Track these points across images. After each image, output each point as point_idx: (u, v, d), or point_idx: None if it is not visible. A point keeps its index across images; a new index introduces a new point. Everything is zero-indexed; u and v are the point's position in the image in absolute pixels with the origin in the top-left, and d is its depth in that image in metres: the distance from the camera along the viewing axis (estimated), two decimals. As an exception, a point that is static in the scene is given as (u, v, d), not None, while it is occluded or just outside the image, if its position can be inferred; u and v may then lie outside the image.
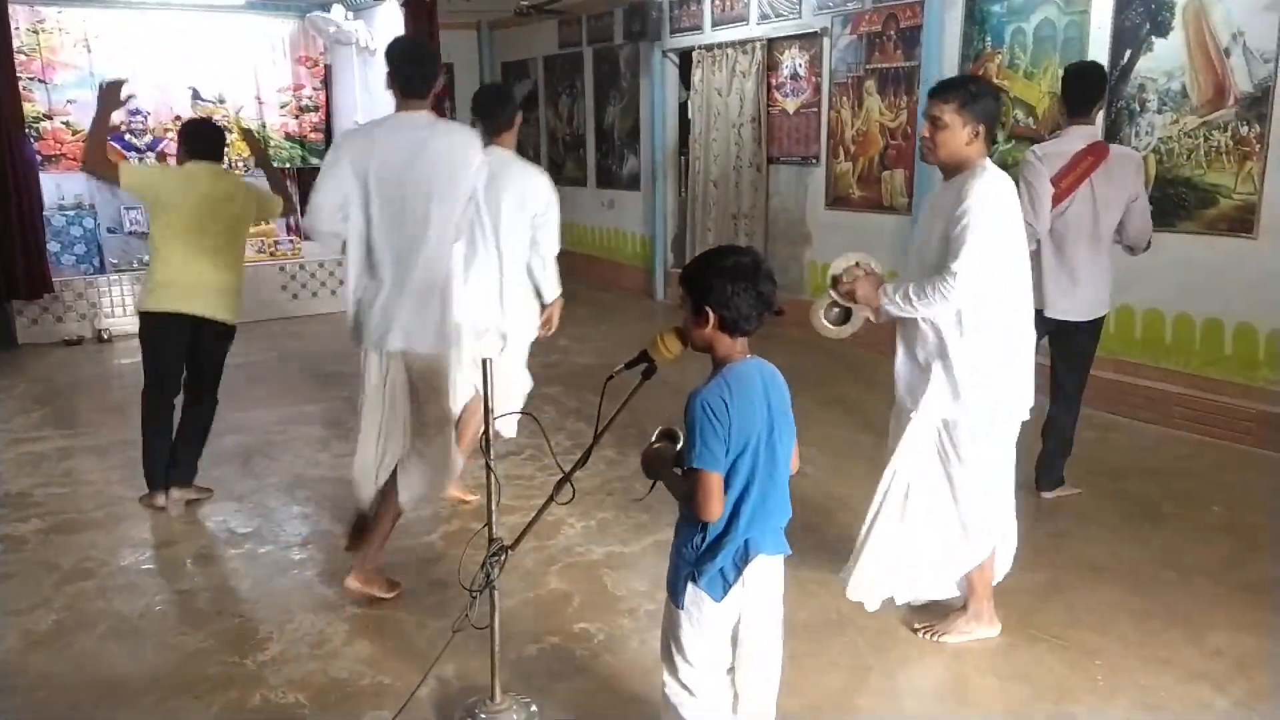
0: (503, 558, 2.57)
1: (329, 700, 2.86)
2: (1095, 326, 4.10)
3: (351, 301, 3.30)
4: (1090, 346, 4.16)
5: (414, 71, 3.21)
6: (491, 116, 4.04)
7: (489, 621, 2.64)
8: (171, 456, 4.22)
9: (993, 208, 2.79)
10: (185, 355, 4.20)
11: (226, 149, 5.08)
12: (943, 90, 2.87)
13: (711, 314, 2.07)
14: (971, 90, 2.84)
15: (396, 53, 3.25)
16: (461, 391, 3.90)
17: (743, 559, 2.12)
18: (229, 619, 3.34)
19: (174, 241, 4.07)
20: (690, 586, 2.16)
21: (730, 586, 2.13)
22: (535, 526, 2.57)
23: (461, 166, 3.22)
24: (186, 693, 2.90)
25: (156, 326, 4.11)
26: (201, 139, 4.29)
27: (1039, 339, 3.88)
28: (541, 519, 2.54)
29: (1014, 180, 3.00)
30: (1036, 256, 3.84)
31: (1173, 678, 2.95)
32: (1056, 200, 3.86)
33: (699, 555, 2.14)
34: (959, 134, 2.84)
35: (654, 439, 2.27)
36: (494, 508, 2.64)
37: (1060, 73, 5.47)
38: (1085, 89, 3.96)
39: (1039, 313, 3.83)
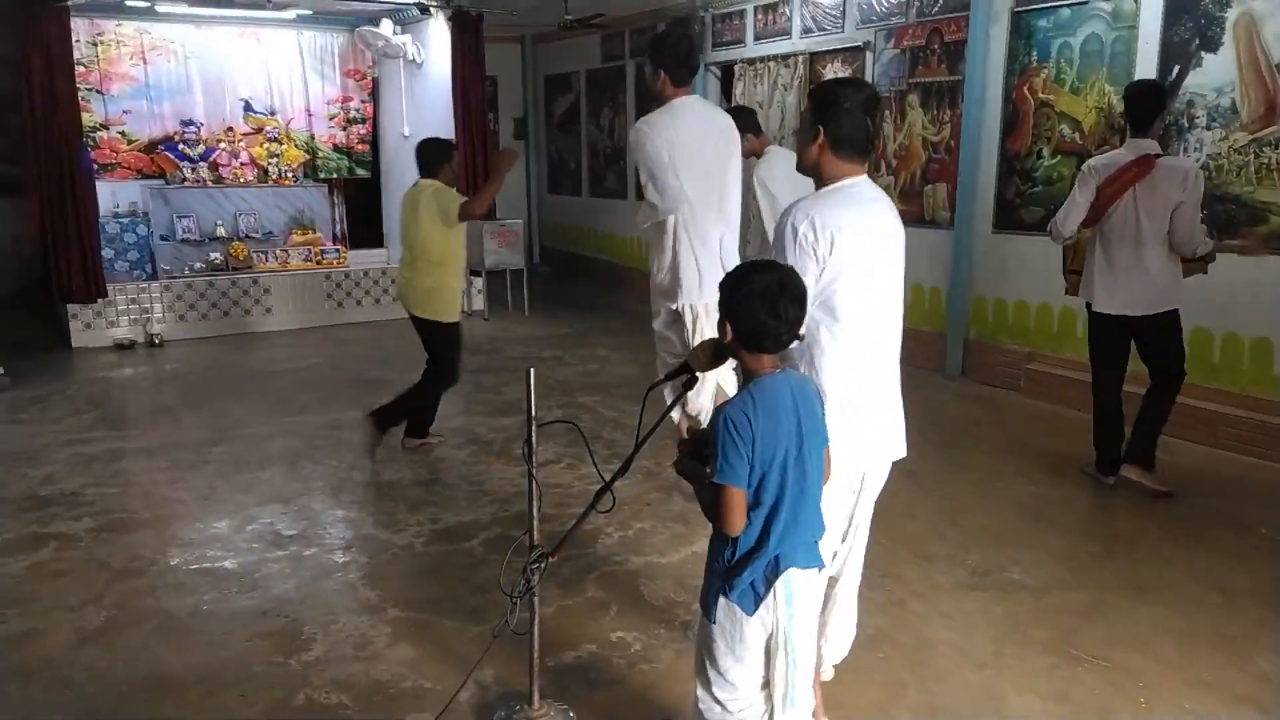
0: (543, 565, 2.59)
1: (371, 701, 2.90)
2: (1163, 320, 4.31)
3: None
4: (1165, 338, 4.37)
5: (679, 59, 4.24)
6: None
7: (528, 628, 2.67)
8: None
9: None
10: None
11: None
12: None
13: (729, 328, 2.09)
14: None
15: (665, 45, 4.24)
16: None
17: (773, 572, 2.12)
18: (274, 619, 3.39)
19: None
20: (722, 600, 2.16)
21: (761, 599, 2.12)
22: (573, 534, 2.59)
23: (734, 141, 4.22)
24: (232, 690, 2.96)
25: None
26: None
27: (1123, 342, 4.38)
28: (580, 527, 2.56)
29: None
30: (1092, 258, 4.35)
31: (1217, 701, 2.90)
32: (1100, 208, 4.24)
33: (729, 568, 2.14)
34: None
35: (692, 443, 2.26)
36: (535, 515, 2.67)
37: (1107, 88, 5.47)
38: (1143, 106, 4.24)
39: (1099, 312, 4.33)
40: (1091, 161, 4.32)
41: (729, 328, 2.09)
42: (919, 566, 3.79)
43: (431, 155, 4.96)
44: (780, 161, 5.12)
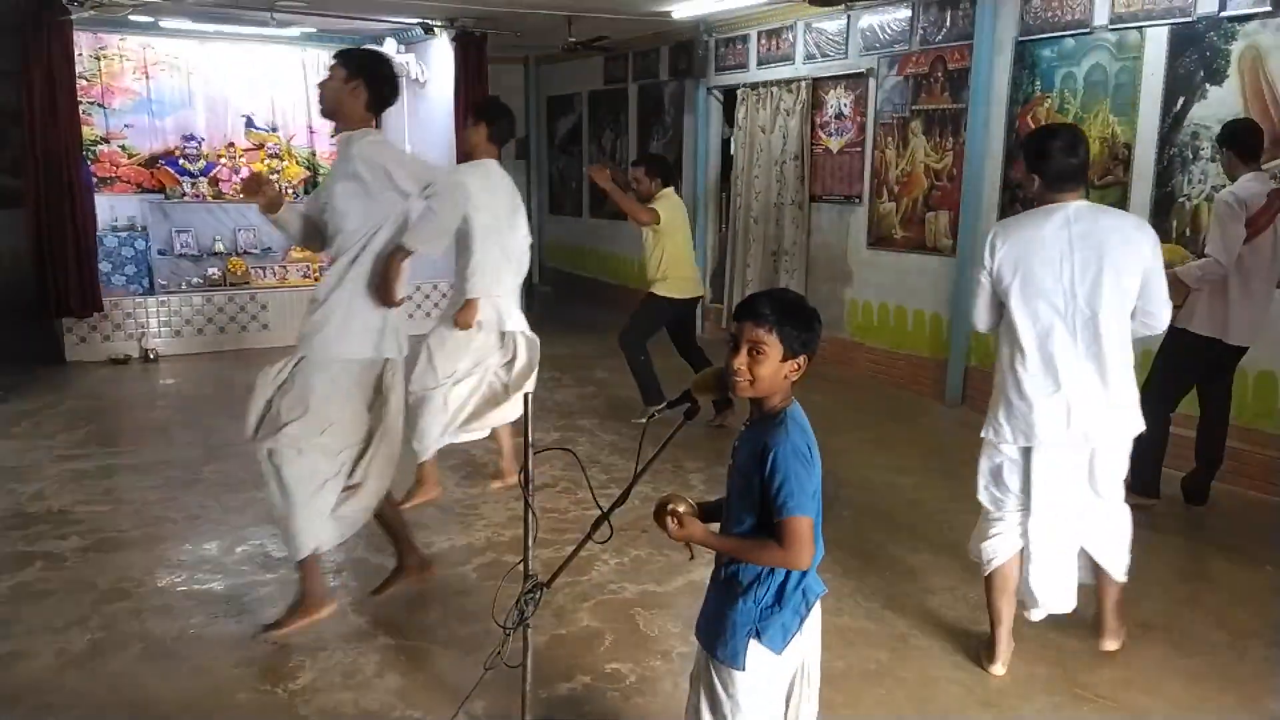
0: (538, 595, 2.54)
1: (359, 733, 2.84)
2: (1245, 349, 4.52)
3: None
4: (1235, 365, 4.62)
5: None
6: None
7: (522, 659, 2.60)
8: None
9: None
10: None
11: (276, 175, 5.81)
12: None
13: (805, 360, 2.03)
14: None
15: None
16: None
17: (805, 607, 2.07)
18: (262, 645, 3.33)
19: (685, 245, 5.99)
20: (753, 644, 2.05)
21: (792, 636, 2.06)
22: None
23: None
24: (218, 718, 2.90)
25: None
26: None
27: (1216, 369, 4.51)
28: (575, 557, 2.51)
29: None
30: (1221, 288, 4.33)
31: (1224, 743, 2.84)
32: (1250, 237, 4.30)
33: (765, 610, 2.05)
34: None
35: (675, 513, 2.13)
36: (530, 544, 2.61)
37: (1111, 118, 5.46)
38: (1256, 138, 4.45)
39: (1218, 341, 4.35)
40: (1236, 194, 4.27)
41: (807, 363, 2.05)
42: (921, 600, 3.73)
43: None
44: None
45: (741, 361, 2.02)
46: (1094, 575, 3.26)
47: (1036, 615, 3.25)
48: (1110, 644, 3.32)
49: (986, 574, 3.20)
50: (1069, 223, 2.99)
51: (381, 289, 3.28)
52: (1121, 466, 3.14)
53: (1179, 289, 4.33)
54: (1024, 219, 3.09)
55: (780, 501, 1.96)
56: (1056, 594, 3.18)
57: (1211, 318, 4.38)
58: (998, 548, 3.17)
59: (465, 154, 4.37)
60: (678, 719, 2.87)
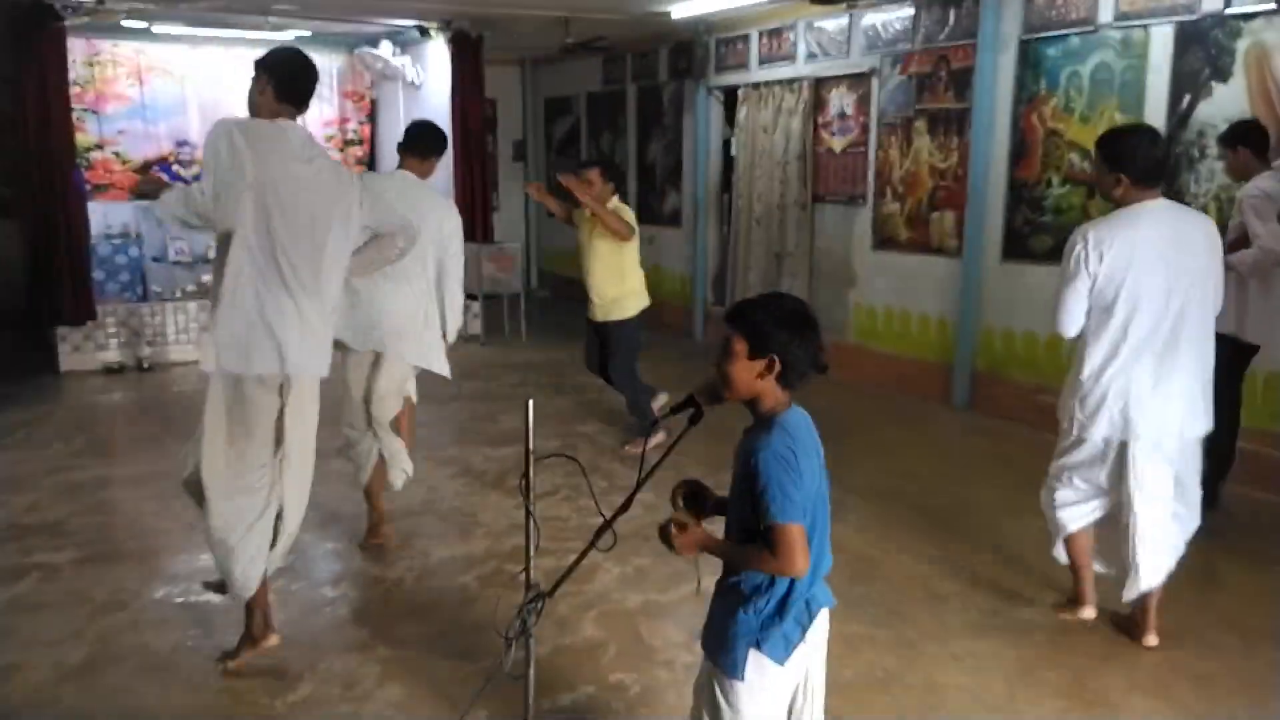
0: (540, 605, 2.49)
1: (358, 746, 2.80)
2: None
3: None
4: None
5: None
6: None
7: (524, 670, 2.56)
8: None
9: None
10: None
11: None
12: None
13: (778, 362, 1.97)
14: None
15: None
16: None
17: (807, 617, 2.03)
18: (259, 657, 3.26)
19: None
20: (753, 654, 2.02)
21: (794, 647, 2.02)
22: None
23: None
24: (216, 732, 2.85)
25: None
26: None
27: (1229, 369, 4.27)
28: (578, 566, 2.46)
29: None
30: (1242, 286, 4.25)
31: (1235, 750, 2.81)
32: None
33: (766, 619, 2.02)
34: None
35: (677, 508, 2.14)
36: (532, 553, 2.57)
37: (1117, 116, 5.41)
38: (1265, 138, 4.42)
39: (1234, 339, 4.25)
40: (1263, 189, 4.19)
41: (776, 363, 1.97)
42: (929, 606, 3.69)
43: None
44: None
45: (719, 362, 2.04)
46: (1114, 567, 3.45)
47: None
48: (1152, 639, 3.40)
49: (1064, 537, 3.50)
50: (1159, 223, 3.12)
51: None
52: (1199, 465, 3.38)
53: None
54: (1118, 219, 3.17)
55: (764, 507, 1.94)
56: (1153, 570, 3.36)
57: (1230, 315, 4.22)
58: (1072, 516, 3.44)
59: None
60: (683, 731, 2.86)
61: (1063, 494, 3.43)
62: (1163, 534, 3.32)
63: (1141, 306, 3.12)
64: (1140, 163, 3.10)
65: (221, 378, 3.03)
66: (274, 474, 3.15)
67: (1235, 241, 4.24)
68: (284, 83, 3.11)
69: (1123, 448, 3.25)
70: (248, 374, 3.02)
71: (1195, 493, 3.37)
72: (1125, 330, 3.15)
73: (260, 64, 3.15)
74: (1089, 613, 3.54)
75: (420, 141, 4.21)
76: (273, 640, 3.26)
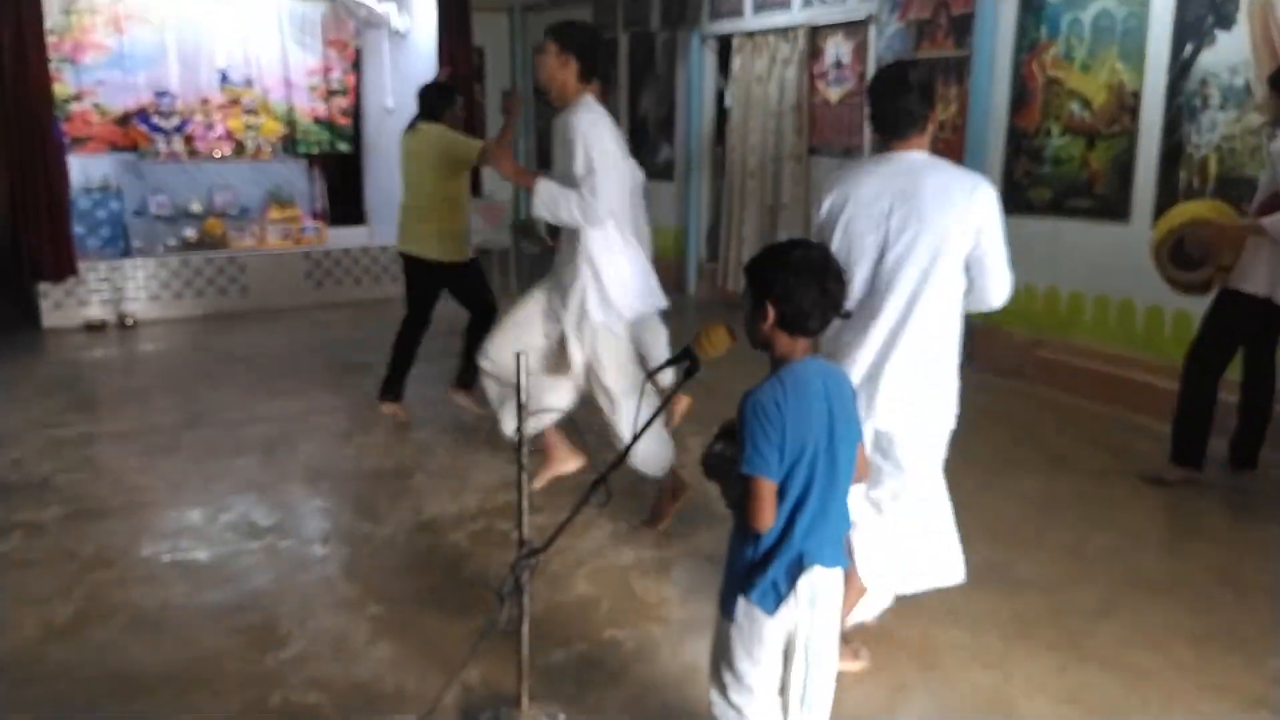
0: (533, 562, 2.47)
1: (351, 704, 2.77)
2: None
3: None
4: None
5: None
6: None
7: (517, 626, 2.53)
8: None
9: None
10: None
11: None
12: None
13: (771, 309, 1.96)
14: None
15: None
16: None
17: (797, 570, 2.00)
18: (249, 614, 3.25)
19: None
20: (741, 599, 2.05)
21: (783, 599, 2.01)
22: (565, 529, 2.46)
23: None
24: (206, 689, 2.83)
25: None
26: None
27: (1263, 332, 4.22)
28: (571, 522, 2.43)
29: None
30: (1274, 247, 3.98)
31: (1230, 704, 2.81)
32: None
33: (751, 566, 2.03)
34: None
35: (716, 436, 2.13)
36: (524, 509, 2.53)
37: (1119, 65, 5.32)
38: None
39: (1268, 301, 4.05)
40: None
41: (771, 309, 1.97)
42: (924, 562, 3.66)
43: (435, 98, 5.05)
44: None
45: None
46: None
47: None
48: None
49: None
50: (886, 176, 2.73)
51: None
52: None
53: (1231, 248, 4.09)
54: (848, 166, 2.95)
55: (739, 455, 1.96)
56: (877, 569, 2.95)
57: (1265, 277, 4.10)
58: None
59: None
60: (676, 684, 2.86)
61: None
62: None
63: (854, 266, 2.72)
64: (874, 113, 2.76)
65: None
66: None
67: (1266, 202, 4.05)
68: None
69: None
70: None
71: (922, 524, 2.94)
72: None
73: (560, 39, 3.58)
74: None
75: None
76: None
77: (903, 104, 2.68)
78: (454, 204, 5.07)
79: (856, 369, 2.72)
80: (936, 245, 2.66)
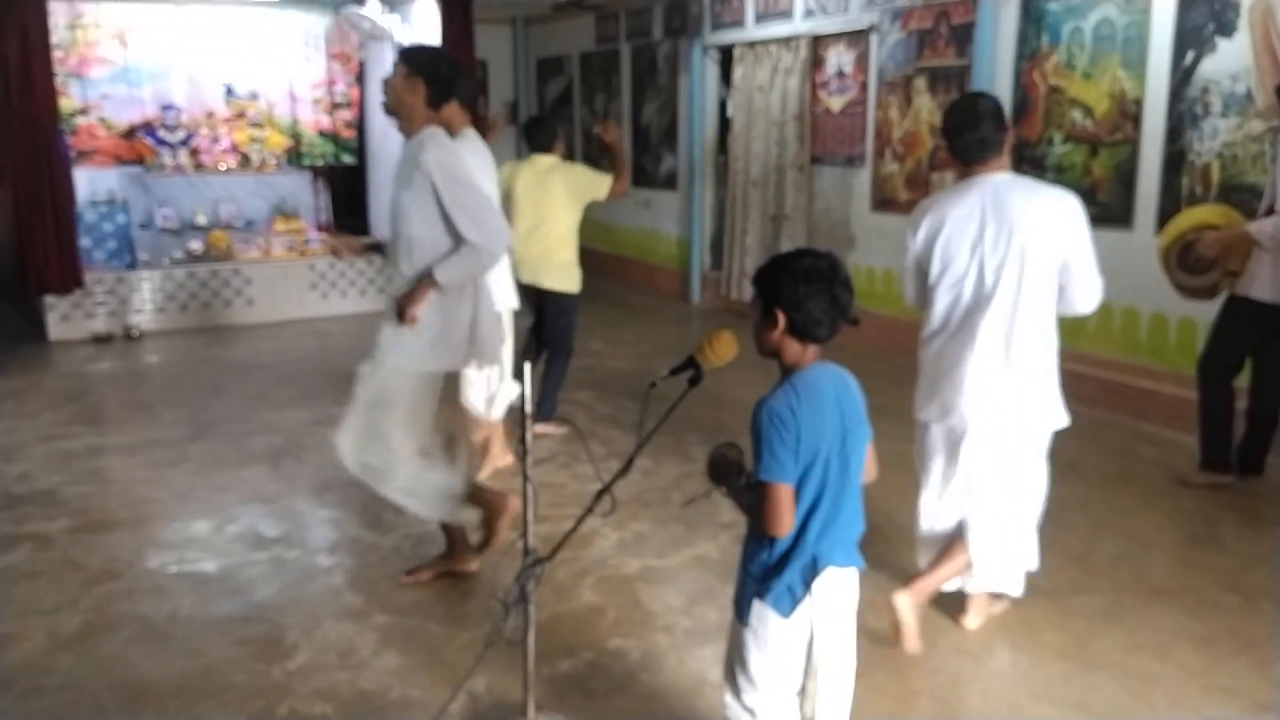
0: (539, 571, 2.47)
1: (357, 713, 2.78)
2: None
3: None
4: None
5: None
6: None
7: (523, 636, 2.54)
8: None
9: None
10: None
11: None
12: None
13: (780, 317, 1.99)
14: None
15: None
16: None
17: (811, 573, 2.02)
18: (256, 625, 3.26)
19: None
20: (756, 602, 2.07)
21: (799, 602, 2.03)
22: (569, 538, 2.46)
23: None
24: (213, 700, 2.84)
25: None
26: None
27: (1271, 338, 4.17)
28: (576, 531, 2.44)
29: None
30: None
31: (1237, 709, 2.81)
32: None
33: (766, 570, 2.05)
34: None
35: (718, 447, 2.18)
36: (529, 518, 2.54)
37: (1120, 73, 5.33)
38: None
39: (1276, 307, 4.07)
40: None
41: (781, 316, 1.99)
42: (929, 569, 3.66)
43: (543, 131, 5.14)
44: None
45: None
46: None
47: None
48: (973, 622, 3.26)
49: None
50: (982, 197, 2.99)
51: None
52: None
53: (1239, 253, 4.12)
54: (943, 193, 3.11)
55: (754, 462, 2.00)
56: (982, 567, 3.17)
57: (1273, 283, 4.10)
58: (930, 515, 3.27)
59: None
60: (682, 694, 2.86)
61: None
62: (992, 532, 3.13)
63: (954, 285, 2.97)
64: (955, 141, 3.00)
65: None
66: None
67: (1271, 206, 4.07)
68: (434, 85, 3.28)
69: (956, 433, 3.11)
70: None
71: (1021, 508, 3.17)
72: (942, 309, 3.02)
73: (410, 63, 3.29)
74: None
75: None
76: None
77: (979, 133, 2.94)
78: (575, 235, 5.15)
79: (969, 380, 2.98)
80: (1029, 258, 2.88)
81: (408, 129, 3.30)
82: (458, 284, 3.27)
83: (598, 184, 5.03)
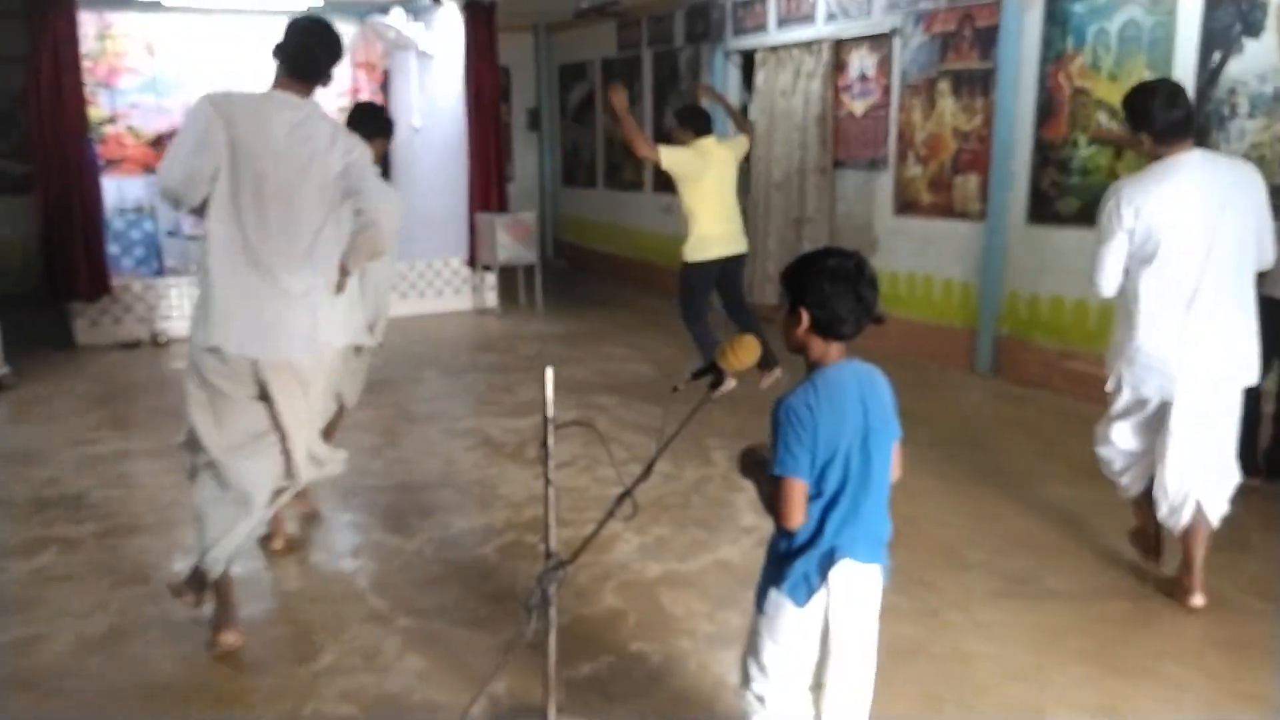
0: (560, 574, 2.47)
1: (381, 715, 2.79)
2: None
3: None
4: None
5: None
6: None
7: (544, 639, 2.54)
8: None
9: None
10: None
11: None
12: None
13: (805, 315, 2.00)
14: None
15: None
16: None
17: (829, 563, 2.04)
18: (281, 628, 3.29)
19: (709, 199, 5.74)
20: (772, 590, 2.10)
21: (814, 592, 2.05)
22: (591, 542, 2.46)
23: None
24: (239, 701, 2.87)
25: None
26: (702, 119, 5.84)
27: None
28: (598, 535, 2.44)
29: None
30: None
31: (1266, 713, 2.78)
32: None
33: (784, 559, 2.08)
34: None
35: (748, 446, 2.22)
36: (551, 522, 2.54)
37: (1146, 74, 5.28)
38: None
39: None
40: None
41: (805, 314, 2.01)
42: (953, 574, 3.65)
43: (703, 119, 5.90)
44: None
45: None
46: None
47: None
48: (1199, 599, 3.39)
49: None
50: (1192, 175, 3.15)
51: None
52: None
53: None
54: (1149, 174, 3.19)
55: (771, 457, 2.02)
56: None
57: None
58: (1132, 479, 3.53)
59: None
60: (704, 699, 2.85)
61: (1110, 456, 3.55)
62: (1200, 479, 3.33)
63: (1178, 260, 3.13)
64: (1157, 123, 3.14)
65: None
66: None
67: None
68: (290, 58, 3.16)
69: (1165, 405, 3.28)
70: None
71: (1233, 446, 3.37)
72: (1165, 285, 3.17)
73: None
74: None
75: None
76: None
77: (1175, 114, 3.13)
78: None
79: (1206, 340, 3.17)
80: (1239, 223, 3.14)
81: None
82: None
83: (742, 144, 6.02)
